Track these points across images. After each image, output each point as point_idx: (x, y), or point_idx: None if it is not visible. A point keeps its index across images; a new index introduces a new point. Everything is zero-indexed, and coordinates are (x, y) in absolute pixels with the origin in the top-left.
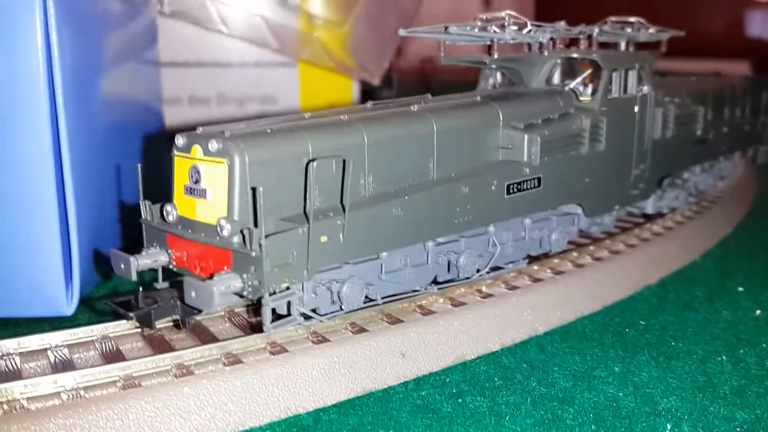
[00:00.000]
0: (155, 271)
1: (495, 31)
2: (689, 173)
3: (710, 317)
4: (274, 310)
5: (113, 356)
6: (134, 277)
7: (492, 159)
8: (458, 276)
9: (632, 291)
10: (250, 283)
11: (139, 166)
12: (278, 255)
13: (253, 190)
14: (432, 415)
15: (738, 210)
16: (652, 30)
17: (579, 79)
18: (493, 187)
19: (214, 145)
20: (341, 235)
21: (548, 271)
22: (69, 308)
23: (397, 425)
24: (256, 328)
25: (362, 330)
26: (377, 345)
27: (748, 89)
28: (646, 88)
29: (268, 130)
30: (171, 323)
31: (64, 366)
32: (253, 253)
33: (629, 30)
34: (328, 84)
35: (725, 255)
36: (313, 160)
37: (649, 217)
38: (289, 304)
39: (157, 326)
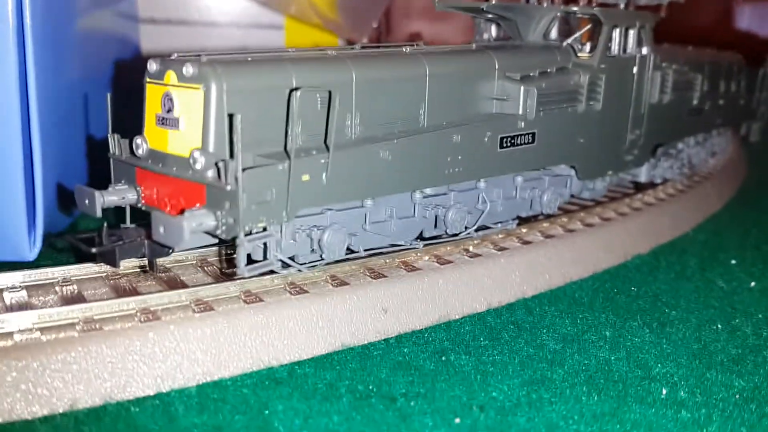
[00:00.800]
0: (123, 210)
1: None
2: (683, 144)
3: (703, 287)
4: (249, 255)
5: (74, 299)
6: (99, 214)
7: (485, 110)
8: (446, 232)
9: (623, 259)
10: (224, 220)
11: (108, 96)
12: (256, 191)
13: (230, 117)
14: (414, 372)
15: (729, 186)
16: None
17: (577, 35)
18: (486, 139)
19: (189, 70)
20: (324, 174)
21: (538, 234)
22: (31, 252)
23: (377, 380)
24: (230, 278)
25: (343, 283)
26: (358, 299)
27: (743, 66)
28: (645, 50)
29: (249, 59)
30: (138, 269)
31: (20, 307)
32: (228, 187)
33: None
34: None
35: (716, 229)
36: (296, 89)
37: (640, 187)
38: (265, 248)
39: (122, 268)
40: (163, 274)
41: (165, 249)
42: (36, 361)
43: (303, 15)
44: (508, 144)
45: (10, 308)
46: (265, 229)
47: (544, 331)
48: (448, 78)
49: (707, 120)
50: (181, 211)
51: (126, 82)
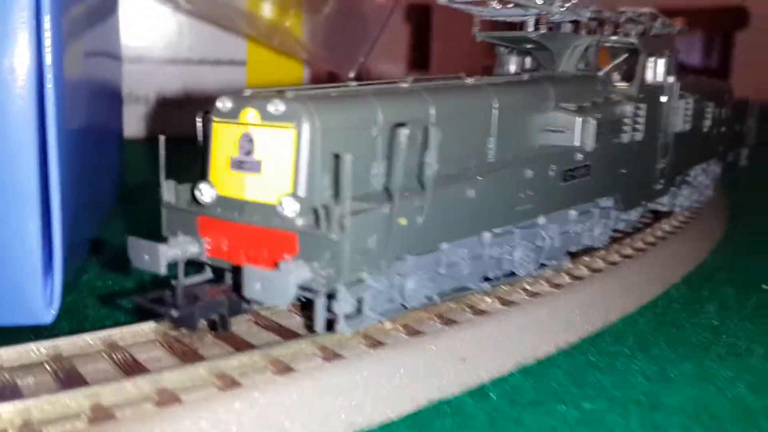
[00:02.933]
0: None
1: (541, 4)
2: (694, 171)
3: (752, 314)
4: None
5: (132, 367)
6: (164, 270)
7: (541, 142)
8: (516, 272)
9: (662, 289)
10: (323, 272)
11: (161, 138)
12: (359, 239)
13: (336, 157)
14: (517, 428)
15: (725, 211)
16: (663, 22)
17: (614, 63)
18: (551, 173)
19: (278, 107)
20: (419, 218)
21: (583, 268)
22: (48, 314)
23: None
24: (289, 333)
25: (416, 332)
26: (436, 350)
27: (732, 94)
28: (671, 78)
29: (332, 94)
30: (180, 328)
31: (71, 381)
32: (333, 236)
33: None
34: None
35: (732, 253)
36: (400, 124)
37: (658, 216)
38: (360, 302)
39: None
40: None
41: (243, 307)
42: None
43: (289, 48)
44: (569, 177)
45: (61, 381)
46: (361, 281)
47: (625, 371)
48: (512, 110)
49: (713, 147)
50: (275, 265)
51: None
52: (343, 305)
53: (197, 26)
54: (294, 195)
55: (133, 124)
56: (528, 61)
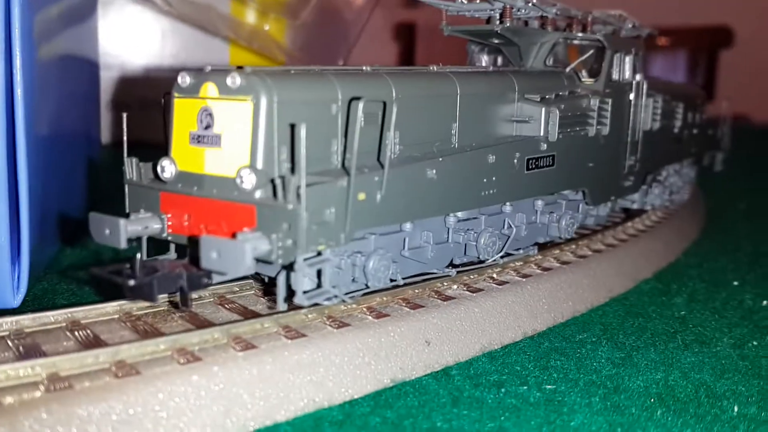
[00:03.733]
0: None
1: None
2: (666, 172)
3: (720, 307)
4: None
5: (93, 344)
6: (124, 245)
7: (506, 132)
8: (478, 258)
9: (633, 284)
10: (280, 243)
11: (124, 116)
12: (317, 210)
13: (292, 127)
14: (479, 407)
15: (700, 214)
16: (633, 24)
17: (580, 60)
18: (515, 161)
19: (236, 81)
20: (379, 193)
21: (552, 260)
22: (15, 298)
23: (442, 418)
24: (254, 315)
25: (382, 315)
26: (402, 332)
27: (706, 99)
28: (638, 76)
29: (292, 71)
30: (149, 306)
31: (32, 353)
32: (290, 206)
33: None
34: None
35: (705, 253)
36: (356, 98)
37: (630, 214)
38: (319, 275)
39: (136, 308)
40: (183, 313)
41: (202, 281)
42: (67, 413)
43: (268, 51)
44: (533, 166)
45: (21, 355)
46: (319, 253)
47: (591, 357)
48: (476, 98)
49: (685, 149)
50: (232, 236)
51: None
52: (301, 277)
53: (180, 31)
54: (252, 167)
55: (114, 130)
56: (499, 59)
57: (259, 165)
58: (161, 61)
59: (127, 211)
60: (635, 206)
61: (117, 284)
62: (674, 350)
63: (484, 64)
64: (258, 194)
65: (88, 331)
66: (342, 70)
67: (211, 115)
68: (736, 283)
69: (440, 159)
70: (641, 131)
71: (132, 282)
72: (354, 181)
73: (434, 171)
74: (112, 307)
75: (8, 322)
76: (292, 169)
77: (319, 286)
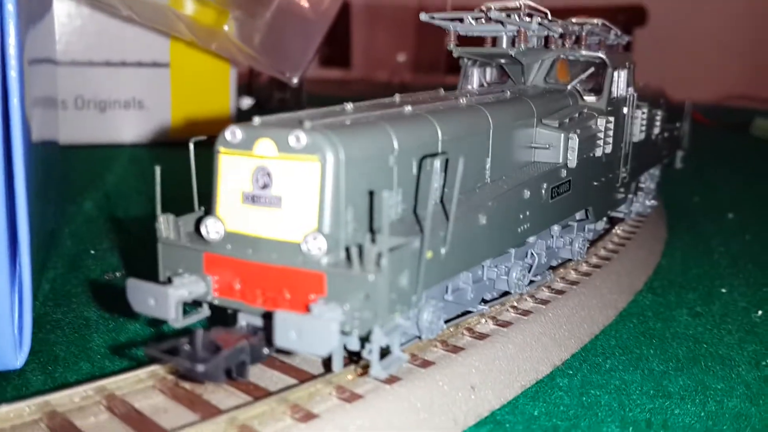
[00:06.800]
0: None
1: (520, 21)
2: (644, 177)
3: (720, 320)
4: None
5: (137, 422)
6: (173, 316)
7: (525, 158)
8: (511, 291)
9: (630, 297)
10: (357, 314)
11: (157, 169)
12: (394, 277)
13: (371, 194)
14: None
15: (664, 213)
16: (615, 33)
17: (582, 77)
18: (543, 191)
19: (300, 138)
20: (443, 248)
21: (558, 279)
22: (18, 359)
23: None
24: (297, 371)
25: (428, 363)
26: (448, 379)
27: (667, 98)
28: (630, 89)
29: (347, 122)
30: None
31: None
32: (371, 276)
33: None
34: (202, 92)
35: (682, 255)
36: (432, 155)
37: (612, 222)
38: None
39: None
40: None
41: (263, 353)
42: None
43: (227, 52)
44: (555, 194)
45: None
46: (393, 321)
47: (625, 389)
48: (504, 128)
49: (660, 152)
50: (303, 307)
51: None
52: (376, 347)
53: (118, 27)
54: (320, 231)
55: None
56: (488, 72)
57: (327, 229)
58: (99, 56)
59: (162, 273)
60: (622, 215)
61: (183, 368)
62: (699, 374)
63: (476, 78)
64: (326, 260)
65: (124, 403)
66: (389, 114)
67: (269, 174)
68: (724, 290)
69: (489, 203)
70: (631, 142)
71: (202, 368)
72: (428, 240)
73: (485, 216)
74: (144, 373)
75: (34, 404)
76: (360, 230)
77: (387, 351)
